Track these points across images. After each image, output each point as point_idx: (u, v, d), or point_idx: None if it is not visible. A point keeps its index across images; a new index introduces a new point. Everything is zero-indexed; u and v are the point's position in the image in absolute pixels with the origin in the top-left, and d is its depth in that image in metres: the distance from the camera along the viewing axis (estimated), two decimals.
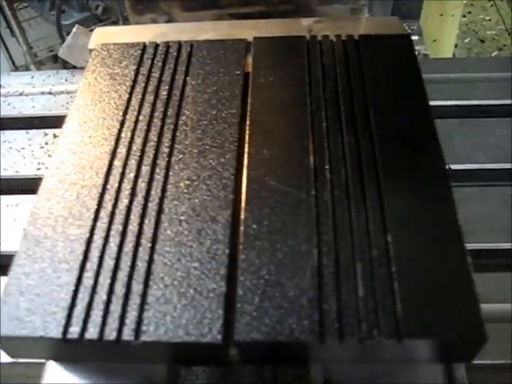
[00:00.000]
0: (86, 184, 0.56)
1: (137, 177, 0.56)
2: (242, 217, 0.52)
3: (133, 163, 0.57)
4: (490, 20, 2.18)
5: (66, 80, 0.99)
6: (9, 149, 0.90)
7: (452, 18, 1.49)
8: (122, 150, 0.58)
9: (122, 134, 0.60)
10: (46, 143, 0.90)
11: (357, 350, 0.47)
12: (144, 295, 0.48)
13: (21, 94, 1.02)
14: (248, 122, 0.60)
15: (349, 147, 0.57)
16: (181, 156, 0.57)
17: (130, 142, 0.59)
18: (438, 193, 0.54)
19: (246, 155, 0.57)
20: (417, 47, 1.30)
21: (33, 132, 0.93)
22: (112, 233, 0.52)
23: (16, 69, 2.72)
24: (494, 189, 0.87)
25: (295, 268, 0.48)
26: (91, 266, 0.50)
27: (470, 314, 0.45)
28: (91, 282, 0.49)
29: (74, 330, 0.46)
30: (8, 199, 0.82)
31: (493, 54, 2.02)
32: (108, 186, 0.55)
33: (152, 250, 0.50)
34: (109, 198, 0.54)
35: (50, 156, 0.86)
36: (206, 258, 0.50)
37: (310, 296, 0.46)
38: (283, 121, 0.60)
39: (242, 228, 0.51)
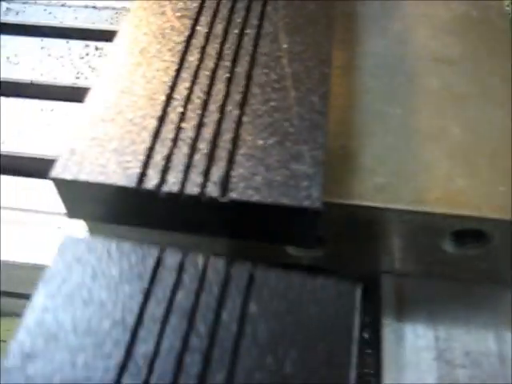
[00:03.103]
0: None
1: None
2: None
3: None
4: None
5: None
6: (47, 56, 0.85)
7: None
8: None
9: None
10: (87, 54, 0.86)
11: None
12: (232, 154, 0.42)
13: (63, 6, 0.97)
14: None
15: None
16: None
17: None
18: None
19: None
20: None
21: (73, 42, 0.88)
22: (195, 88, 0.46)
23: None
24: None
25: None
26: (172, 117, 0.44)
27: None
28: (171, 135, 0.43)
29: (151, 182, 0.40)
30: (42, 104, 0.79)
31: None
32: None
33: (242, 108, 0.44)
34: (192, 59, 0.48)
35: (90, 67, 0.83)
36: (304, 124, 0.44)
37: None
38: None
39: None
